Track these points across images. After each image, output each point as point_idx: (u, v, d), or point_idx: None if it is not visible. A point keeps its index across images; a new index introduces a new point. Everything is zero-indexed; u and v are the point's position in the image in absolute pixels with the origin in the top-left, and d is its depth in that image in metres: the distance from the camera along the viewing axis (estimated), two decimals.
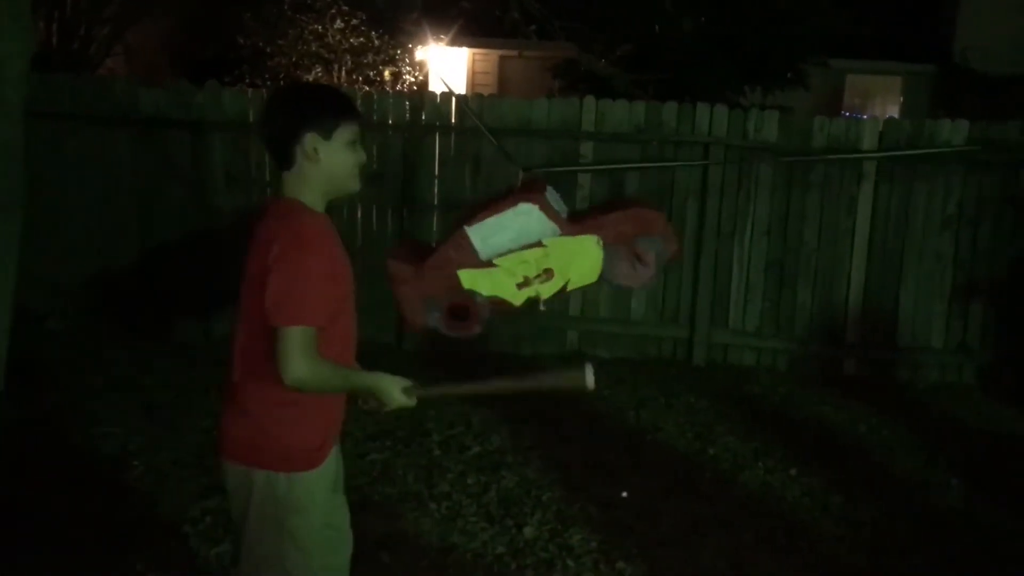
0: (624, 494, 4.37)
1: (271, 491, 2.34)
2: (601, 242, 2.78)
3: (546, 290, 2.80)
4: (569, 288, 2.75)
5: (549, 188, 3.03)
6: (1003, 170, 6.38)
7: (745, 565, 3.83)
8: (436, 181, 6.73)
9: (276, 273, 2.21)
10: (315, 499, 2.40)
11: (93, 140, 6.82)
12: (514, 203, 2.74)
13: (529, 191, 2.82)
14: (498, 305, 2.78)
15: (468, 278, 2.81)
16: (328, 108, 2.35)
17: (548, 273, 2.85)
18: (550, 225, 2.73)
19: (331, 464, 2.49)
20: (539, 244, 2.75)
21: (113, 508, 4.10)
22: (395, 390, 2.38)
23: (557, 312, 6.70)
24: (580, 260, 2.77)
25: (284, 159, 2.34)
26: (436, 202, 6.73)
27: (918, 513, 4.38)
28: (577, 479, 4.60)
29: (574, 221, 2.80)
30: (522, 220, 2.80)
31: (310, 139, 2.30)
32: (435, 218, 6.78)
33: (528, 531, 4.03)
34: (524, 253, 2.73)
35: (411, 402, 2.41)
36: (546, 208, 2.74)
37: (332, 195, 2.40)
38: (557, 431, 5.25)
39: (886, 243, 6.51)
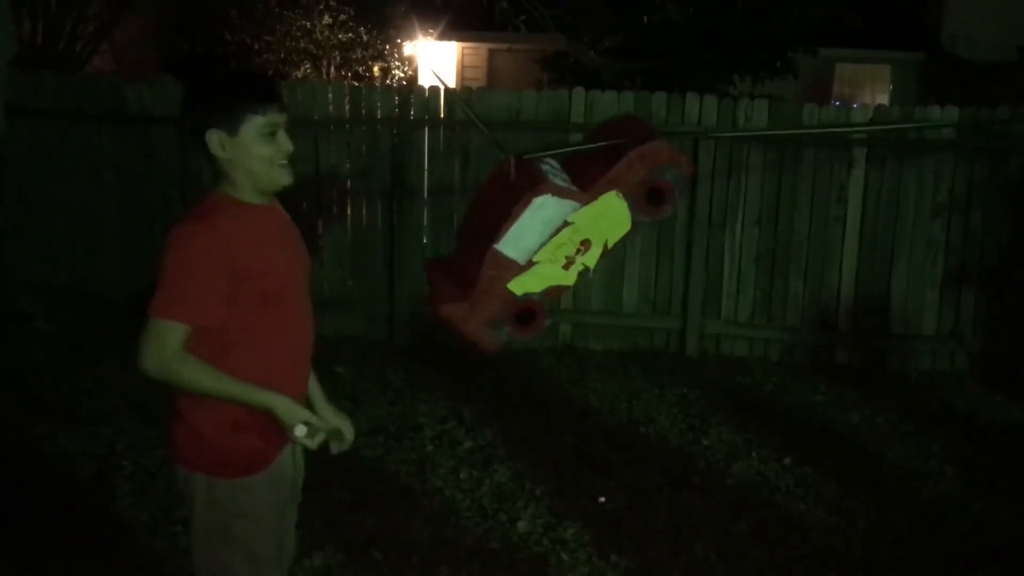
0: (601, 499, 4.29)
1: (212, 496, 2.24)
2: (619, 194, 2.78)
3: (590, 259, 2.79)
4: (610, 245, 2.75)
5: (546, 162, 3.00)
6: (993, 156, 6.37)
7: (738, 556, 3.81)
8: (426, 174, 6.70)
9: (161, 262, 2.14)
10: (262, 505, 2.27)
11: (78, 138, 6.77)
12: (527, 202, 2.72)
13: (533, 183, 2.80)
14: (554, 292, 2.78)
15: (519, 286, 2.79)
16: (230, 101, 2.17)
17: (586, 244, 2.83)
18: (568, 203, 2.72)
19: (281, 469, 2.34)
20: (566, 224, 2.74)
21: (101, 508, 4.06)
22: (293, 413, 2.20)
23: (549, 304, 6.66)
24: (608, 218, 2.76)
25: (204, 154, 2.21)
26: (426, 195, 6.70)
27: (912, 501, 4.37)
28: (570, 473, 4.57)
29: (586, 187, 2.80)
30: (540, 213, 2.78)
31: (214, 136, 2.17)
32: (425, 212, 6.76)
33: (522, 525, 4.00)
34: (556, 238, 2.71)
35: (310, 441, 2.23)
36: (555, 190, 2.72)
37: (262, 188, 2.24)
38: (549, 424, 5.22)
39: (877, 231, 6.49)
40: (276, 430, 2.25)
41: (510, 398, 5.63)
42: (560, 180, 2.96)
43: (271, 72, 12.88)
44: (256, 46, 12.92)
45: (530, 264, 2.87)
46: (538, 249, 2.84)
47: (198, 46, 12.94)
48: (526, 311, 2.90)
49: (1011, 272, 6.37)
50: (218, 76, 2.50)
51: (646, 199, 2.90)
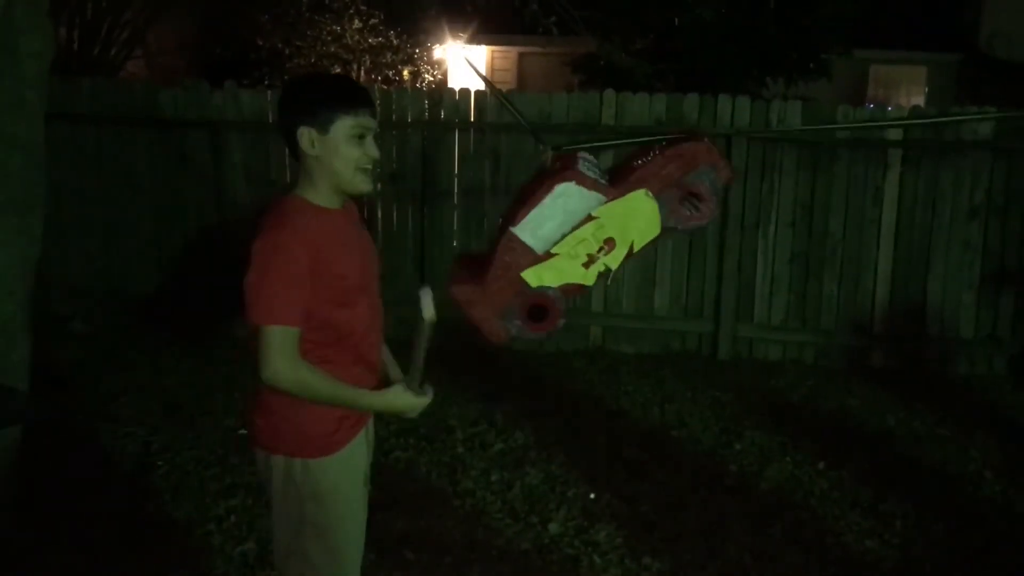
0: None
1: (289, 477, 2.32)
2: (650, 194, 2.70)
3: (612, 260, 2.73)
4: (636, 249, 2.68)
5: (583, 156, 2.95)
6: None
7: (772, 559, 3.77)
8: (456, 177, 6.71)
9: (249, 269, 2.19)
10: (333, 487, 2.35)
11: (113, 142, 6.85)
12: (550, 188, 2.68)
13: (560, 170, 2.76)
14: (572, 291, 2.72)
15: (533, 276, 2.75)
16: (324, 100, 2.24)
17: (610, 243, 2.78)
18: (593, 196, 2.66)
19: (354, 455, 2.41)
20: (590, 218, 2.68)
21: (137, 507, 4.10)
22: (407, 400, 2.36)
23: (580, 308, 6.66)
24: (636, 219, 2.70)
25: (293, 152, 2.29)
26: (456, 200, 6.71)
27: (950, 505, 4.30)
28: (602, 475, 4.55)
29: (615, 183, 2.73)
30: (562, 202, 2.73)
31: (305, 133, 2.23)
32: (455, 216, 6.77)
33: (553, 527, 3.98)
34: (578, 232, 2.66)
35: (426, 397, 2.38)
36: (583, 180, 2.67)
37: (341, 190, 2.30)
38: (581, 426, 5.20)
39: (913, 232, 6.41)
40: (352, 414, 2.36)
41: (541, 400, 5.62)
42: (591, 172, 2.91)
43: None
44: (287, 51, 13.01)
45: (548, 255, 2.83)
46: (558, 240, 2.80)
47: (230, 52, 13.06)
48: (539, 306, 2.87)
49: None
50: (314, 77, 2.61)
51: (680, 204, 2.83)
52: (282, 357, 2.17)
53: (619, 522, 4.04)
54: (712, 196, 2.86)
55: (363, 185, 2.30)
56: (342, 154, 2.24)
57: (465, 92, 6.72)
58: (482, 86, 6.81)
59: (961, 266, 6.40)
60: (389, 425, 5.08)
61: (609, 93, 6.57)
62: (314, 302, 2.22)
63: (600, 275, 2.87)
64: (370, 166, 2.29)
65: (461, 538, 3.88)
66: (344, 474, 2.38)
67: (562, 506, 4.18)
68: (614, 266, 2.85)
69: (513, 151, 6.56)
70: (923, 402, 5.72)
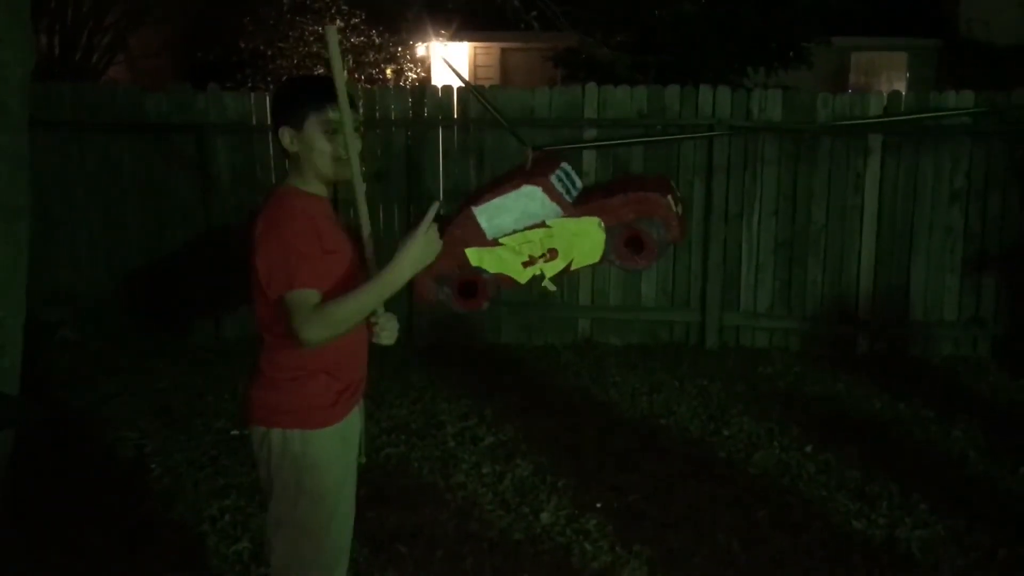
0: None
1: (287, 450, 2.41)
2: (602, 224, 2.78)
3: (550, 269, 2.81)
4: (572, 268, 2.76)
5: (563, 165, 3.01)
6: (1010, 140, 6.33)
7: (759, 543, 3.82)
8: (441, 175, 6.73)
9: (261, 249, 2.31)
10: (330, 458, 2.44)
11: (98, 148, 6.84)
12: (517, 185, 2.76)
13: (533, 174, 2.83)
14: (504, 282, 2.80)
15: (475, 256, 2.83)
16: (296, 100, 2.40)
17: (552, 253, 2.86)
18: (553, 207, 2.74)
19: (350, 425, 2.52)
20: (543, 224, 2.76)
21: (130, 509, 4.13)
22: (415, 244, 2.37)
23: (567, 301, 6.70)
24: (582, 241, 2.77)
25: (280, 150, 2.45)
26: (442, 196, 6.73)
27: (934, 485, 4.36)
28: (592, 465, 4.60)
29: (578, 203, 2.79)
30: (525, 202, 2.81)
31: (285, 132, 2.40)
32: (441, 212, 6.79)
33: (545, 517, 4.03)
34: (528, 233, 2.75)
35: (436, 240, 2.41)
36: (549, 190, 2.75)
37: (326, 180, 2.45)
38: (570, 419, 5.25)
39: (895, 218, 6.48)
40: (344, 387, 2.46)
41: (531, 394, 5.66)
42: (561, 185, 2.98)
43: (284, 77, 12.95)
44: (269, 52, 13.00)
45: (495, 243, 2.92)
46: (509, 234, 2.88)
47: (213, 54, 13.05)
48: (471, 283, 2.94)
49: None
50: (291, 80, 2.73)
51: (625, 243, 2.90)
52: (310, 319, 2.25)
53: (609, 511, 4.09)
54: (654, 247, 2.93)
55: (344, 173, 2.41)
56: (317, 148, 2.39)
57: (448, 89, 6.75)
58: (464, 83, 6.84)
59: (943, 250, 6.47)
60: (380, 423, 5.12)
61: (591, 86, 6.60)
62: (325, 272, 2.33)
63: (534, 277, 2.96)
64: (348, 156, 2.38)
65: (454, 531, 3.92)
66: (341, 444, 2.48)
67: (552, 496, 4.23)
68: (549, 274, 2.95)
69: (497, 146, 6.59)
70: (908, 385, 5.79)
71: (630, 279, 6.69)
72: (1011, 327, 6.42)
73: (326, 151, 2.39)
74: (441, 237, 2.45)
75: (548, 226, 2.72)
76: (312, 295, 2.27)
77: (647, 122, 6.48)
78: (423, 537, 3.86)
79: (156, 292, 6.84)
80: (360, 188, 2.40)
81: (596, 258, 2.80)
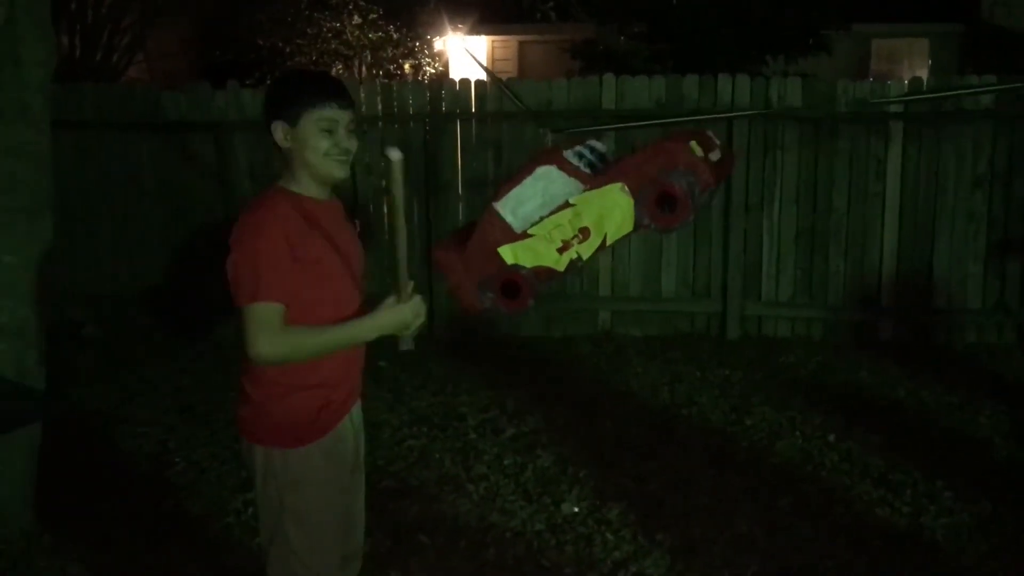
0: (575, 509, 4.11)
1: (269, 467, 2.38)
2: (626, 188, 2.72)
3: (585, 249, 2.76)
4: (609, 242, 2.71)
5: (589, 143, 2.97)
6: None
7: (781, 531, 3.81)
8: (459, 168, 6.74)
9: (231, 255, 2.26)
10: (314, 476, 2.38)
11: (118, 147, 6.90)
12: (531, 169, 2.73)
13: (544, 153, 2.81)
14: (543, 274, 2.76)
15: (509, 253, 2.80)
16: (292, 95, 2.34)
17: (584, 232, 2.80)
18: (573, 182, 2.69)
19: (336, 442, 2.44)
20: (567, 205, 2.71)
21: (156, 503, 4.17)
22: (396, 314, 2.36)
23: (587, 293, 6.70)
24: (612, 212, 2.71)
25: (275, 146, 2.38)
26: (460, 190, 6.75)
27: (958, 472, 4.32)
28: (613, 455, 4.60)
29: (599, 173, 2.75)
30: (543, 184, 2.77)
31: (279, 127, 2.33)
32: (460, 206, 6.80)
33: (566, 507, 4.04)
34: (556, 217, 2.69)
35: (420, 312, 2.40)
36: (564, 165, 2.70)
37: (316, 178, 2.37)
38: (591, 410, 5.25)
39: (917, 205, 6.42)
40: (324, 404, 2.39)
41: (552, 386, 5.66)
42: (577, 160, 2.92)
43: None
44: (288, 49, 13.05)
45: (525, 235, 2.86)
46: (537, 222, 2.83)
47: (231, 52, 13.10)
48: (512, 283, 2.90)
49: None
50: (287, 75, 2.67)
51: (655, 203, 2.82)
52: (265, 334, 2.22)
53: (631, 501, 4.09)
54: (688, 199, 2.84)
55: (337, 172, 2.37)
56: (311, 145, 2.32)
57: (465, 83, 6.76)
58: (483, 76, 6.84)
59: (966, 236, 6.41)
60: (401, 416, 5.14)
61: (609, 77, 6.59)
62: (296, 283, 2.26)
63: (571, 262, 2.89)
64: (343, 157, 2.36)
65: (476, 521, 3.94)
66: (324, 462, 2.41)
67: (574, 487, 4.24)
68: (586, 256, 2.87)
69: (515, 139, 6.60)
70: (932, 373, 5.74)
71: (650, 270, 6.68)
72: None
73: (320, 149, 2.32)
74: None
75: (573, 204, 2.68)
76: (272, 310, 2.22)
77: (666, 112, 6.46)
78: (445, 528, 3.87)
79: (178, 289, 6.89)
80: (401, 233, 2.31)
81: (630, 227, 2.74)
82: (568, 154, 2.88)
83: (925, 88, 6.33)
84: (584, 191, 2.72)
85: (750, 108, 6.39)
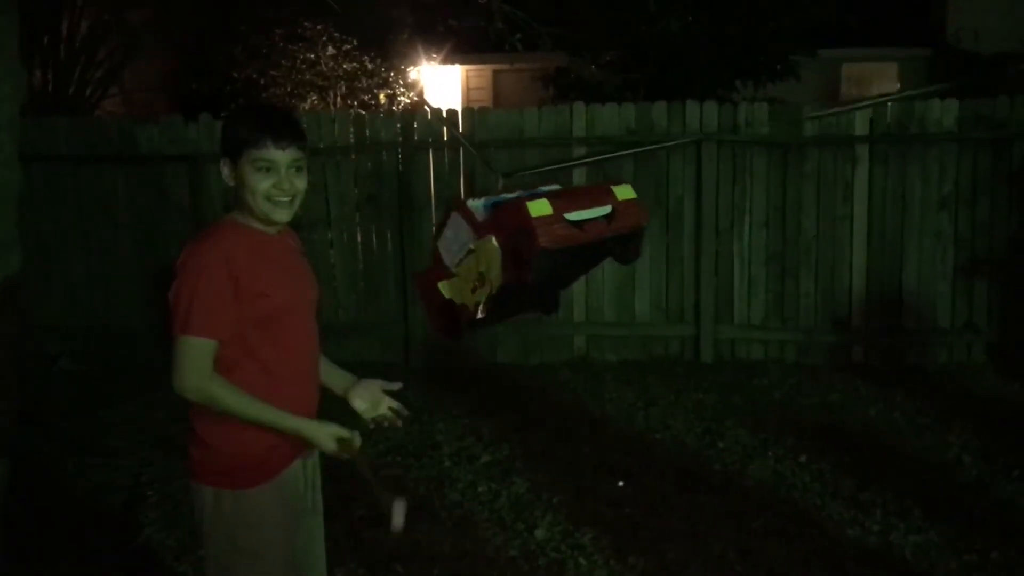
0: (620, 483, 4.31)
1: (219, 508, 2.33)
2: (494, 240, 2.78)
3: (482, 295, 2.81)
4: (494, 291, 2.75)
5: (542, 189, 3.02)
6: (996, 146, 6.38)
7: (755, 553, 3.83)
8: (432, 196, 6.78)
9: (174, 284, 2.25)
10: (264, 515, 2.35)
11: (92, 180, 6.91)
12: (449, 215, 2.79)
13: (456, 200, 2.91)
14: (464, 312, 2.80)
15: (445, 288, 2.84)
16: (232, 133, 2.32)
17: (481, 280, 2.83)
18: (468, 230, 2.75)
19: (288, 482, 2.41)
20: (471, 251, 2.76)
21: (128, 536, 4.14)
22: (324, 437, 2.33)
23: (563, 319, 6.73)
24: (493, 263, 2.74)
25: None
26: (434, 217, 6.78)
27: (929, 491, 4.37)
28: (587, 481, 4.61)
29: (484, 223, 2.82)
30: (455, 229, 2.83)
31: (225, 165, 2.33)
32: (433, 232, 6.82)
33: (539, 533, 4.04)
34: (467, 259, 2.74)
35: (343, 454, 2.35)
36: (466, 213, 2.76)
37: (259, 218, 2.33)
38: (566, 436, 5.27)
39: (885, 226, 6.52)
40: (283, 443, 2.35)
41: (527, 413, 5.68)
42: (482, 207, 2.93)
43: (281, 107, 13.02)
44: (263, 81, 13.09)
45: (451, 274, 2.91)
46: (458, 264, 2.88)
47: (207, 85, 13.13)
48: (451, 314, 2.94)
49: (1022, 260, 6.36)
50: (236, 112, 2.64)
51: (511, 259, 2.86)
52: (192, 369, 2.22)
53: (604, 525, 4.10)
54: (525, 258, 2.85)
55: (275, 214, 2.33)
56: (248, 185, 2.29)
57: (437, 111, 6.82)
58: (454, 103, 6.88)
59: (934, 257, 6.50)
60: (377, 444, 5.14)
61: (579, 105, 6.67)
62: (239, 318, 2.25)
63: (477, 304, 2.93)
64: (284, 198, 2.32)
65: (450, 549, 3.93)
66: (275, 502, 2.37)
67: (548, 512, 4.24)
68: (481, 301, 2.91)
69: (485, 168, 6.65)
70: (903, 393, 5.81)
71: (624, 294, 6.73)
72: (1005, 332, 6.44)
73: (259, 189, 2.28)
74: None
75: (473, 250, 2.72)
76: (201, 345, 2.21)
77: (635, 139, 6.54)
78: (419, 556, 3.87)
79: (152, 322, 6.86)
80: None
81: (501, 279, 2.77)
82: (471, 202, 2.91)
83: (889, 115, 6.43)
84: (476, 240, 2.78)
85: (718, 134, 6.48)
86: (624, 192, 3.29)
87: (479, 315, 2.80)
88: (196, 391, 2.23)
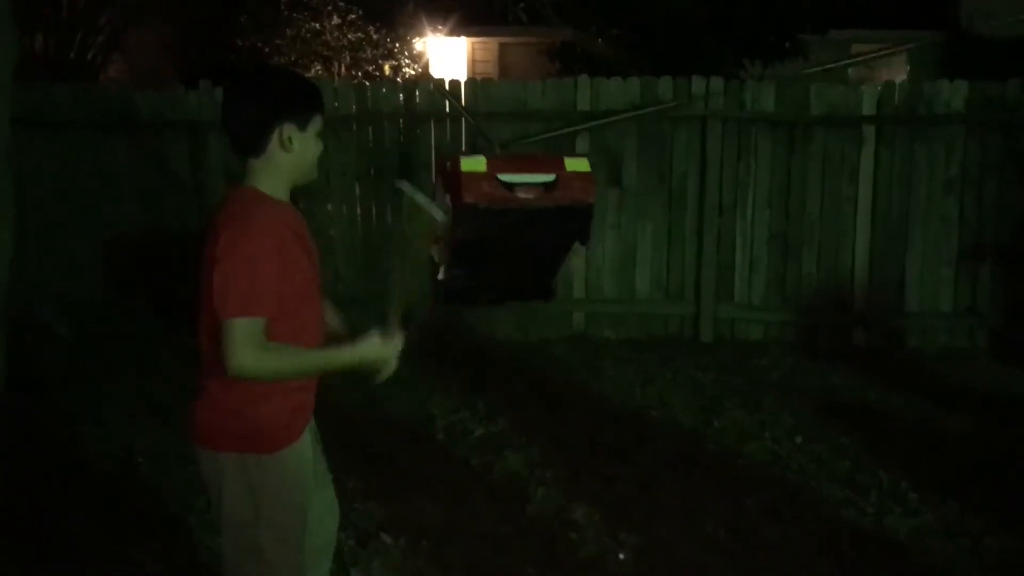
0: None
1: (243, 474, 2.29)
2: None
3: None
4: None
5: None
6: (1004, 130, 6.30)
7: (747, 533, 3.80)
8: (433, 168, 6.71)
9: (221, 264, 2.17)
10: (290, 480, 2.34)
11: (92, 147, 6.84)
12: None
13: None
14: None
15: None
16: (304, 98, 2.31)
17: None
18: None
19: (305, 449, 2.41)
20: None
21: (119, 504, 4.13)
22: (382, 351, 2.37)
23: (562, 295, 6.68)
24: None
25: (253, 148, 2.28)
26: (434, 189, 6.71)
27: (925, 475, 4.33)
28: (581, 457, 4.59)
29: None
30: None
31: (288, 129, 2.26)
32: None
33: (531, 508, 4.02)
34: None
35: (398, 347, 2.40)
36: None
37: (296, 183, 2.36)
38: (562, 411, 5.24)
39: (890, 209, 6.45)
40: (297, 407, 2.36)
41: (524, 388, 5.65)
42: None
43: None
44: (267, 50, 13.00)
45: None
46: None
47: (210, 52, 13.04)
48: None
49: None
50: (279, 73, 2.59)
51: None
52: (249, 348, 2.16)
53: (597, 501, 4.08)
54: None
55: (316, 175, 2.39)
56: (314, 151, 2.32)
57: (440, 82, 6.75)
58: (459, 75, 6.82)
59: (939, 241, 6.44)
60: (371, 417, 5.11)
61: (583, 79, 6.59)
62: (284, 293, 2.22)
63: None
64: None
65: (440, 522, 3.91)
66: (299, 465, 2.37)
67: (540, 488, 4.22)
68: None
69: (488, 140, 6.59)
70: (903, 377, 5.77)
71: (624, 272, 6.68)
72: (1007, 318, 6.39)
73: (318, 153, 2.34)
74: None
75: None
76: (256, 325, 2.17)
77: (640, 113, 6.47)
78: (410, 528, 3.85)
79: (150, 290, 6.83)
80: (399, 271, 2.41)
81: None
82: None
83: (897, 96, 6.36)
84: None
85: (724, 110, 6.41)
86: (576, 164, 3.28)
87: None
88: (257, 368, 2.19)
